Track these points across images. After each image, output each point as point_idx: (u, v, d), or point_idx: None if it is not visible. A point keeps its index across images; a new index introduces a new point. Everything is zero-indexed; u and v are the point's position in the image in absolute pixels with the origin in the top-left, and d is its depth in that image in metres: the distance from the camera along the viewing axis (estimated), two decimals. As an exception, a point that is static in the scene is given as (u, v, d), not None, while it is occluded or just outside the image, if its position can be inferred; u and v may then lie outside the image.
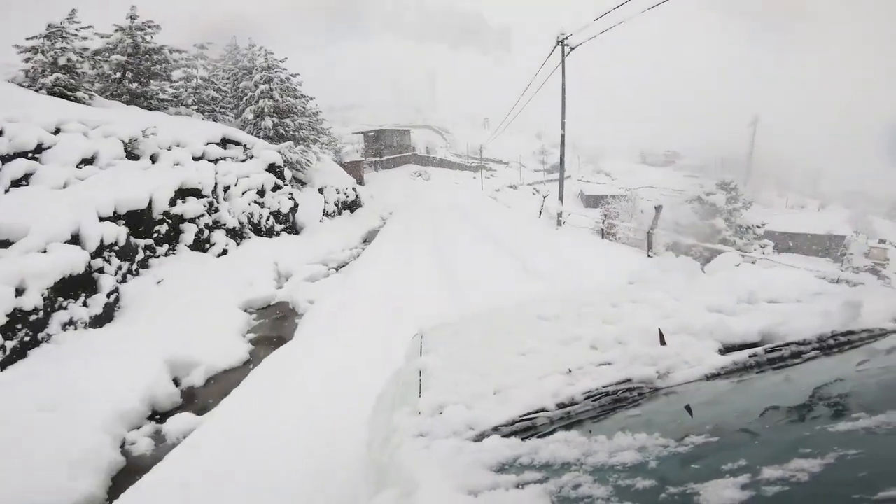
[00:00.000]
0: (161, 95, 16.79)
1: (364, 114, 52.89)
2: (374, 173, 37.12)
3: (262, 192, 13.71)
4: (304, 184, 18.31)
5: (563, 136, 16.07)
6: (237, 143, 14.34)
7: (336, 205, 19.58)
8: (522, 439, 1.17)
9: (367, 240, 16.67)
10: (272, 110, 19.66)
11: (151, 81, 16.50)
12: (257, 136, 17.72)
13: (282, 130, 19.90)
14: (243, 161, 13.88)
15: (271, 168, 14.71)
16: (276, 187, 14.62)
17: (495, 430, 1.32)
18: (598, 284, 5.32)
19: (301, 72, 21.46)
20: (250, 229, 12.67)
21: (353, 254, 13.68)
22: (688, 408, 1.43)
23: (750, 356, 1.59)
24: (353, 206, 21.38)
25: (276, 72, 19.90)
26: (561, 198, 16.77)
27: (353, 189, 22.07)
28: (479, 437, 1.30)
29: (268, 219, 13.65)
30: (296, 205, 15.61)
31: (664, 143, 67.50)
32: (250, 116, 19.63)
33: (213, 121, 18.03)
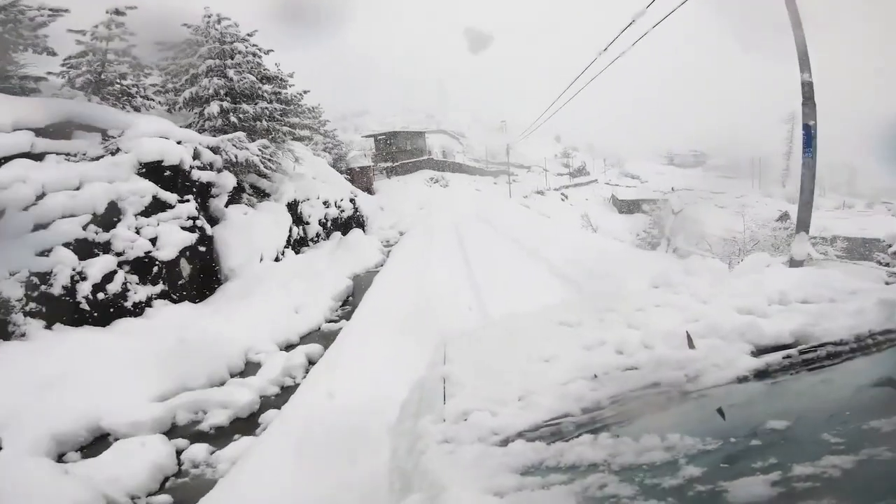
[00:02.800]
0: (26, 72, 10.25)
1: (374, 121, 49.80)
2: (386, 180, 34.22)
3: (109, 220, 7.48)
4: (266, 195, 13.42)
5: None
6: (94, 130, 8.63)
7: (323, 224, 15.23)
8: (548, 444, 1.16)
9: (350, 296, 10.19)
10: (223, 92, 13.62)
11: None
12: (202, 132, 12.58)
13: (235, 119, 13.64)
14: (96, 159, 8.15)
15: (153, 171, 8.61)
16: (156, 207, 8.34)
17: (520, 435, 1.32)
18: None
19: (308, 77, 18.11)
20: (42, 310, 6.27)
21: (290, 365, 6.44)
22: (720, 411, 1.40)
23: (784, 357, 1.55)
24: (348, 224, 17.24)
25: (233, 43, 14.21)
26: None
27: (352, 201, 18.22)
28: (505, 443, 1.29)
29: (109, 279, 7.08)
30: (204, 238, 9.21)
31: (689, 144, 65.45)
32: (189, 98, 13.82)
33: (135, 111, 12.36)
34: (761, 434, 1.06)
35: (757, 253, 2.44)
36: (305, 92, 19.03)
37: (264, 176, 13.44)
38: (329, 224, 16.07)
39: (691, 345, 1.76)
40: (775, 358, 1.57)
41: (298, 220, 14.05)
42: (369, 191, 27.34)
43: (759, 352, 1.70)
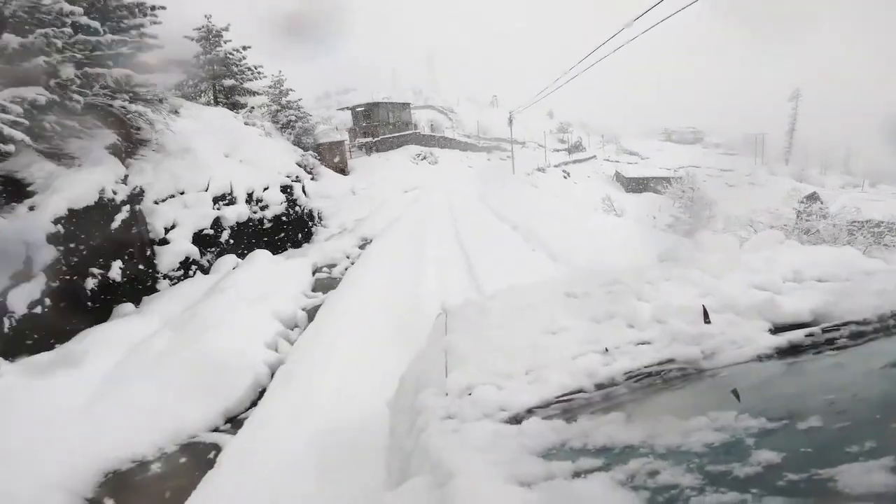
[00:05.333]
0: None
1: (360, 97, 44.61)
2: (366, 158, 29.96)
3: None
4: (24, 193, 5.93)
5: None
6: None
7: (209, 238, 8.64)
8: (567, 422, 1.07)
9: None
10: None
11: None
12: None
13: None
14: None
15: None
16: None
17: (531, 412, 1.23)
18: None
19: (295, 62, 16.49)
20: None
21: None
22: (735, 392, 1.32)
23: (806, 336, 1.47)
24: (277, 228, 10.99)
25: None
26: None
27: (287, 189, 11.53)
28: (513, 420, 1.20)
29: None
30: None
31: (687, 121, 64.05)
32: None
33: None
34: (797, 413, 0.97)
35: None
36: (245, 48, 16.75)
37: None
38: (227, 236, 9.09)
39: (707, 319, 1.68)
40: (797, 336, 1.49)
41: (140, 239, 7.34)
42: (343, 170, 23.69)
43: (778, 329, 1.62)
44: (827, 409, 1.06)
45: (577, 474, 0.88)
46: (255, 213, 10.41)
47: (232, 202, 9.59)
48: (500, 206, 14.86)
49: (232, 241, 9.32)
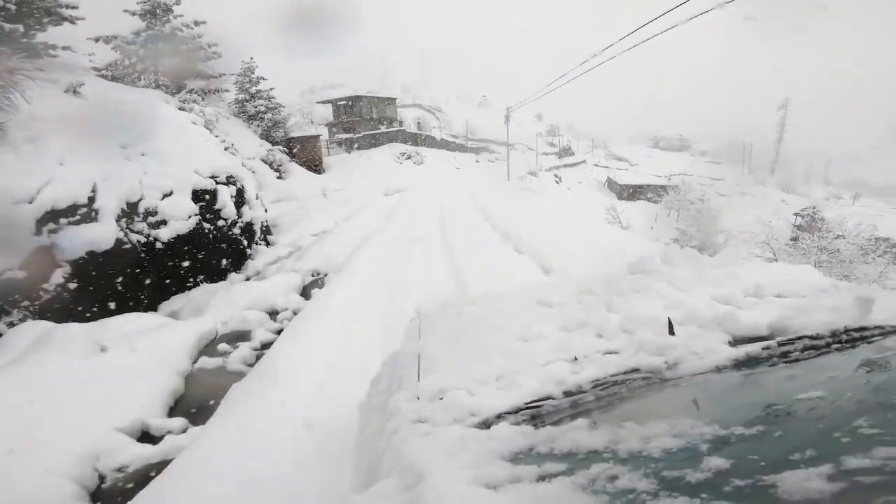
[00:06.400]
0: None
1: (345, 93, 42.88)
2: (345, 156, 27.72)
3: None
4: None
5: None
6: None
7: (26, 286, 4.98)
8: (535, 427, 1.10)
9: None
10: None
11: None
12: None
13: None
14: None
15: None
16: None
17: (500, 417, 1.26)
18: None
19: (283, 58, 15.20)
20: None
21: None
22: (695, 401, 1.39)
23: (763, 349, 1.55)
24: (176, 256, 7.42)
25: None
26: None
27: (208, 196, 8.37)
28: (483, 425, 1.23)
29: None
30: None
31: (674, 128, 64.23)
32: None
33: None
34: (754, 423, 1.03)
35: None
36: (198, 23, 14.40)
37: None
38: (60, 280, 5.52)
39: (672, 331, 1.75)
40: (754, 349, 1.57)
41: None
42: (317, 168, 21.73)
43: (737, 342, 1.70)
44: (777, 419, 1.12)
45: (542, 478, 0.91)
46: (138, 232, 6.83)
47: (87, 219, 6.01)
48: (505, 222, 11.87)
49: (74, 289, 5.60)
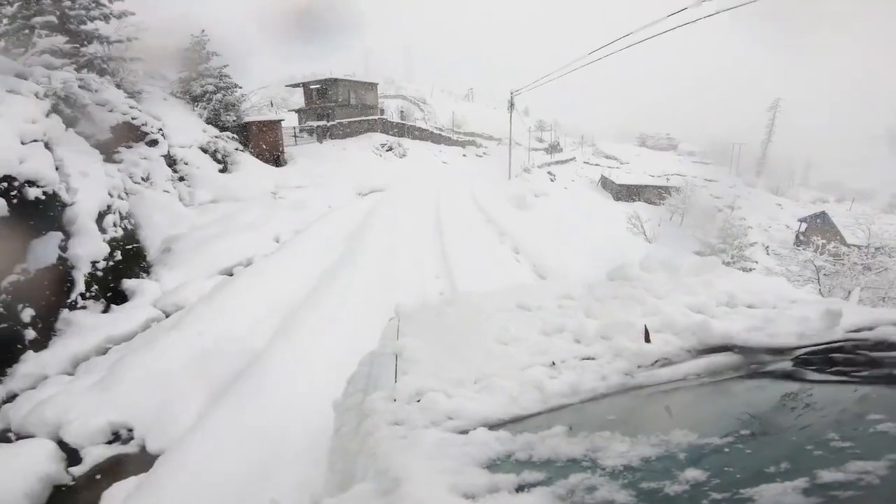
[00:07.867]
0: None
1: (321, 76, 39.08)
2: (316, 146, 23.82)
3: None
4: None
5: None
6: None
7: None
8: (514, 434, 1.10)
9: None
10: None
11: None
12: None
13: None
14: None
15: None
16: None
17: (478, 421, 1.25)
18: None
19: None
20: None
21: None
22: (667, 409, 1.41)
23: (733, 359, 1.58)
24: None
25: None
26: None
27: None
28: (463, 430, 1.22)
29: None
30: None
31: (661, 127, 63.98)
32: None
33: None
34: (722, 432, 1.05)
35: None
36: None
37: None
38: None
39: (648, 339, 1.77)
40: (725, 358, 1.60)
41: None
42: (277, 159, 18.14)
43: (709, 351, 1.74)
44: (750, 431, 1.14)
45: (520, 488, 0.90)
46: None
47: None
48: (520, 238, 9.78)
49: None
